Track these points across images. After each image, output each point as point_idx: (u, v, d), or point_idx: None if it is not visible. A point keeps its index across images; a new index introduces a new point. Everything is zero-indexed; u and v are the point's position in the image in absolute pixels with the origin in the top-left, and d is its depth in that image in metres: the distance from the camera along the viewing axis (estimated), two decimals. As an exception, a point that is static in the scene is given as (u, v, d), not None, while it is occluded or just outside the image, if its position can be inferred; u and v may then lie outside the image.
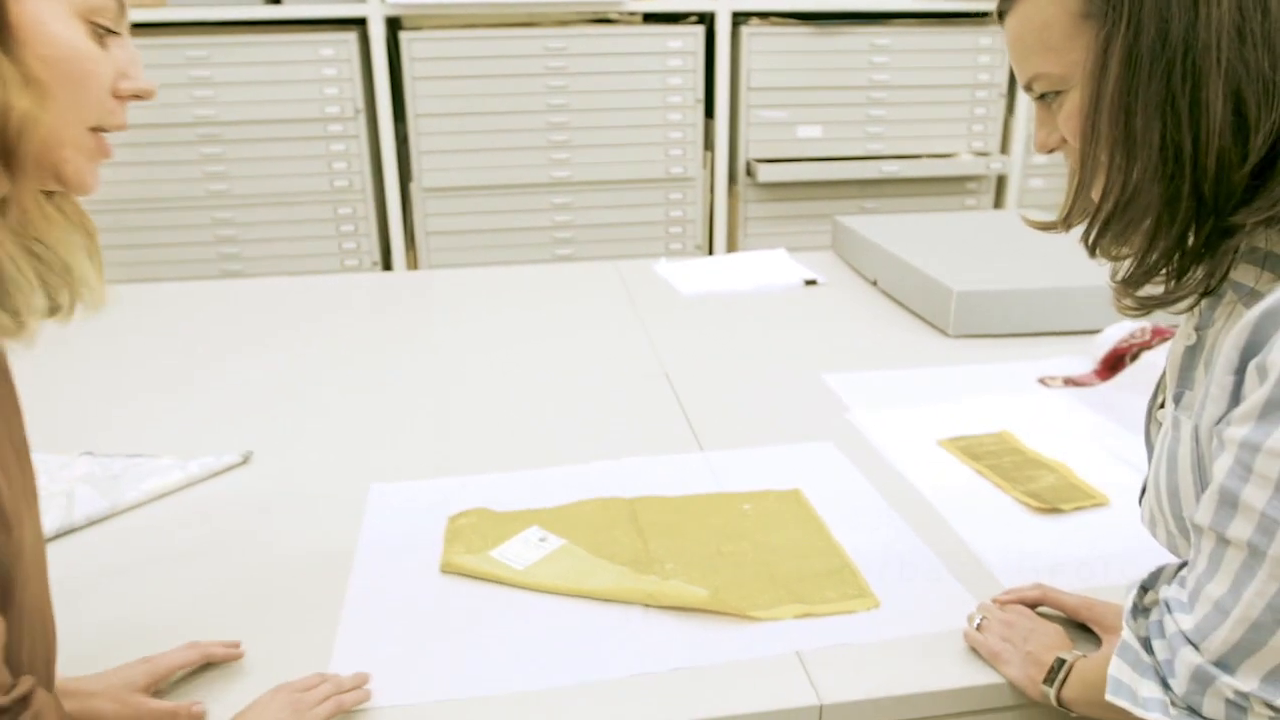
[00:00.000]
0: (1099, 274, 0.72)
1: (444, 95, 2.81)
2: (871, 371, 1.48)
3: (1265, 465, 0.58)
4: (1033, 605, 0.88)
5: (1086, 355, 1.50)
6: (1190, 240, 0.64)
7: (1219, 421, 0.63)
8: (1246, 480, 0.60)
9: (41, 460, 1.20)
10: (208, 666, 0.82)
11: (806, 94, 3.03)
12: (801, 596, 0.91)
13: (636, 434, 1.27)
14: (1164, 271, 0.66)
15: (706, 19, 2.94)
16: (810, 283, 1.96)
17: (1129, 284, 0.67)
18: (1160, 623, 0.67)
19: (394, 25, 2.78)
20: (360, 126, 2.79)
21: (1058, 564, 0.97)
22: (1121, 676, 0.68)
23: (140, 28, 2.61)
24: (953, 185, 3.18)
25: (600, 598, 0.91)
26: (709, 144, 3.08)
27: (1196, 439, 0.67)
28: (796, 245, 3.10)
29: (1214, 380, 0.64)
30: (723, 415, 1.33)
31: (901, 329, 1.68)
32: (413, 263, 3.01)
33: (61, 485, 1.13)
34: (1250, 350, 0.61)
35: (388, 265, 3.01)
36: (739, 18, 2.94)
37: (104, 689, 0.76)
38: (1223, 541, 0.62)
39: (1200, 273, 0.65)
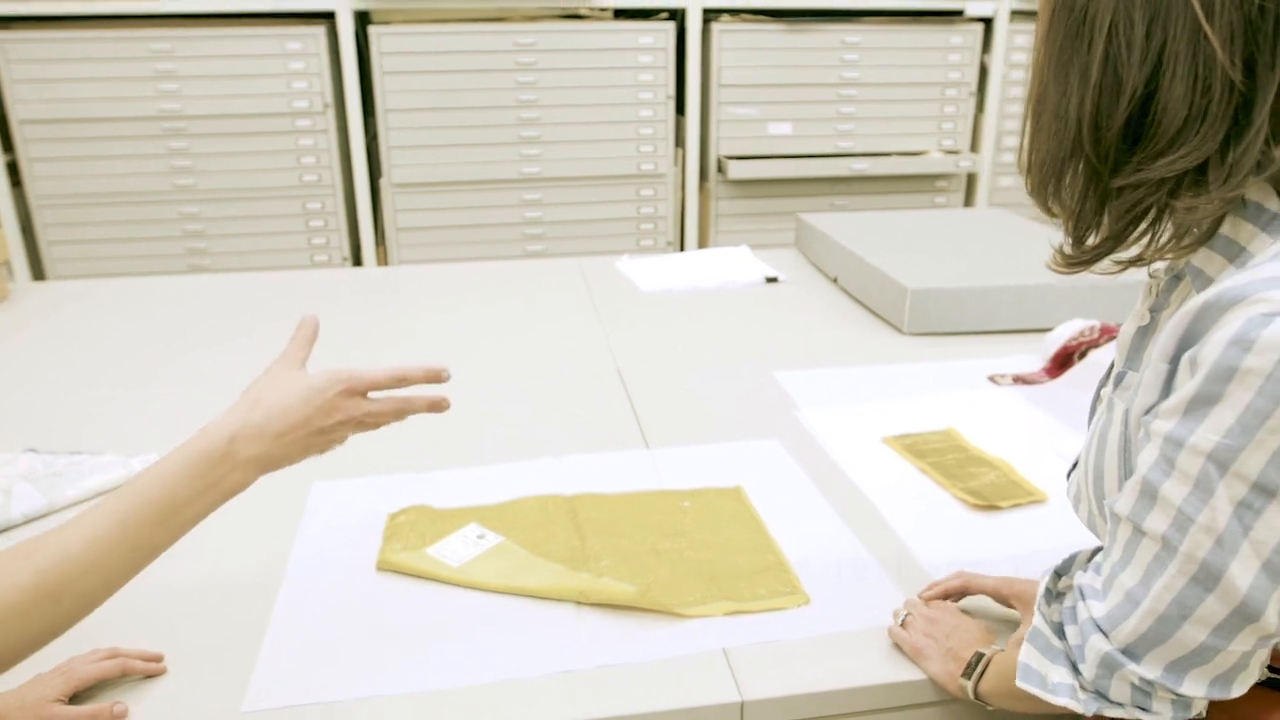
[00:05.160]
0: (1053, 273, 0.73)
1: (414, 90, 2.80)
2: (824, 369, 1.49)
3: (1187, 462, 0.59)
4: (957, 595, 0.89)
5: (1038, 353, 1.51)
6: (1090, 200, 0.66)
7: (1149, 410, 0.64)
8: (1168, 475, 0.60)
9: (-18, 457, 1.19)
10: None
11: (777, 91, 3.03)
12: (732, 594, 0.91)
13: (584, 431, 1.28)
14: (1088, 230, 0.68)
15: (677, 15, 2.94)
16: (771, 280, 1.97)
17: (1067, 243, 0.70)
18: (1074, 609, 0.68)
19: (363, 19, 2.77)
20: (329, 121, 2.78)
21: (991, 560, 0.98)
22: (1031, 662, 0.70)
23: (103, 19, 2.59)
24: (923, 183, 3.20)
25: (533, 595, 0.92)
26: (680, 140, 3.08)
27: (1126, 423, 0.68)
28: (767, 242, 3.12)
29: (1149, 366, 0.64)
30: (671, 413, 1.34)
31: (858, 327, 1.69)
32: (383, 259, 3.00)
33: (1, 482, 1.12)
34: (1187, 341, 0.61)
35: (358, 261, 3.00)
36: (710, 14, 2.94)
37: (17, 705, 0.75)
38: (1139, 532, 0.63)
39: (1105, 231, 0.66)
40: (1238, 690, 0.62)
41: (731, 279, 1.96)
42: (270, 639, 0.86)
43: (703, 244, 3.22)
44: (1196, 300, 0.60)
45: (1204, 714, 0.65)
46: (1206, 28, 0.57)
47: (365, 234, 2.94)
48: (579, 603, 0.90)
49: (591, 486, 1.12)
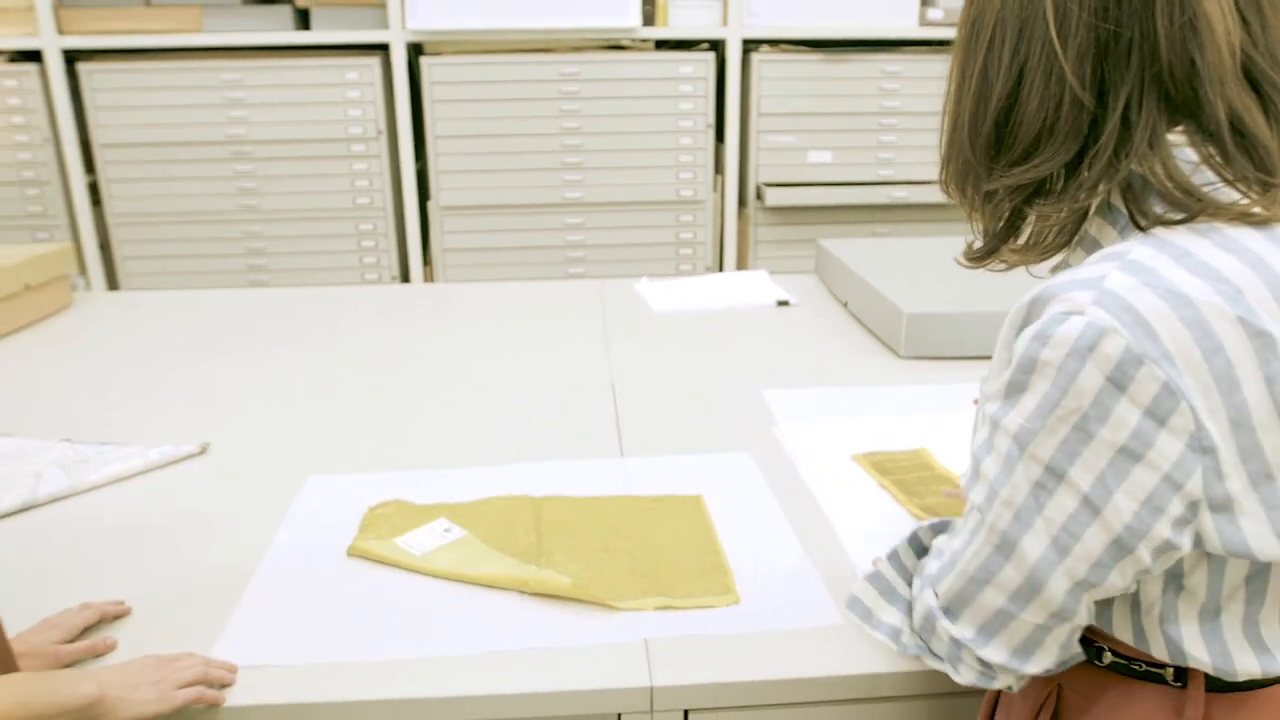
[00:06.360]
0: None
1: (462, 118, 2.93)
2: (812, 389, 1.53)
3: (1000, 441, 0.65)
4: None
5: (1029, 379, 1.53)
6: (975, 200, 0.72)
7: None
8: (989, 452, 0.66)
9: (24, 444, 1.33)
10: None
11: (817, 119, 3.08)
12: (666, 590, 0.97)
13: (566, 440, 1.35)
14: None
15: (718, 46, 3.02)
16: (783, 303, 2.01)
17: (976, 238, 0.75)
18: (925, 564, 0.76)
19: (416, 50, 2.92)
20: (382, 147, 2.93)
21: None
22: (864, 598, 0.81)
23: (178, 51, 2.80)
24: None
25: (483, 584, 0.99)
26: (719, 168, 3.15)
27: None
28: (805, 269, 3.15)
29: (996, 352, 0.70)
30: (652, 425, 1.39)
31: (857, 350, 1.73)
32: (429, 278, 3.13)
33: (35, 466, 1.24)
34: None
35: (406, 280, 3.14)
36: (749, 45, 3.01)
37: (27, 650, 0.86)
38: (970, 504, 0.69)
39: (984, 232, 0.72)
40: (1034, 666, 0.67)
41: (743, 302, 2.02)
42: (242, 606, 0.95)
43: (741, 269, 3.27)
44: (1029, 293, 0.65)
45: (1056, 696, 0.70)
46: (1059, 50, 0.62)
47: (413, 254, 3.08)
48: (522, 592, 0.97)
49: (560, 490, 1.19)
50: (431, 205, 3.02)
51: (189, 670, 0.82)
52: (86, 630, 0.91)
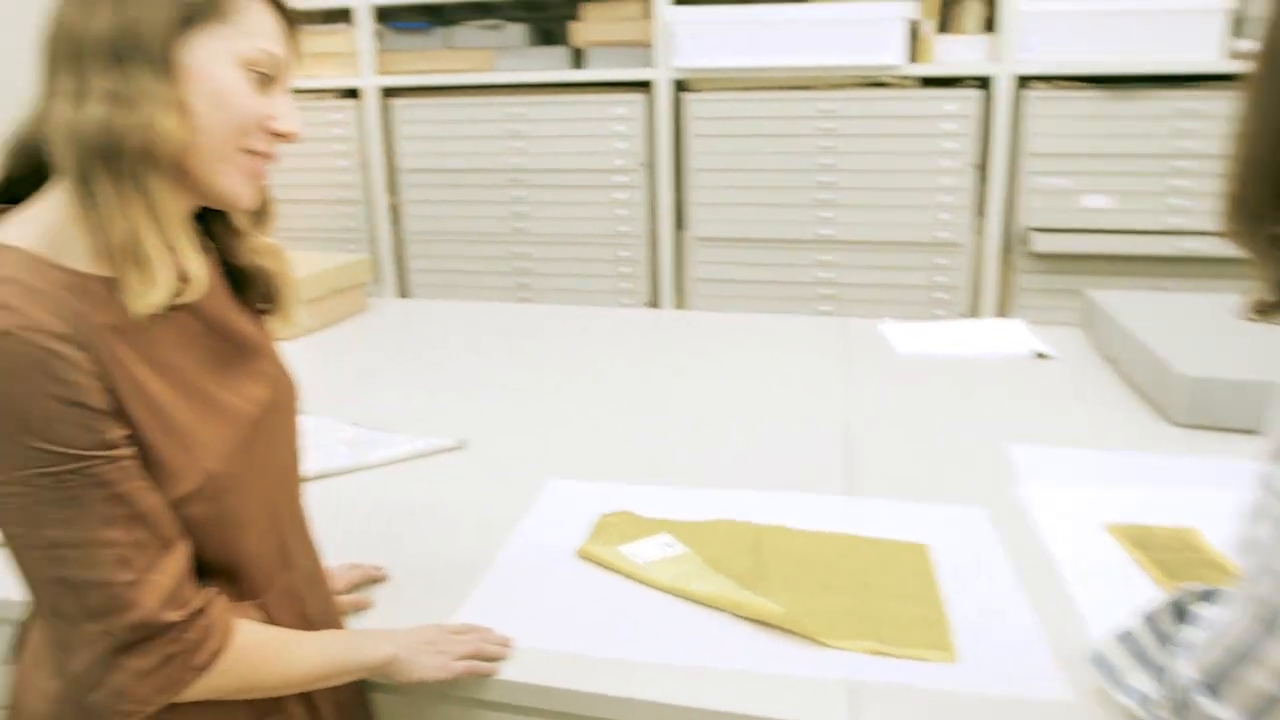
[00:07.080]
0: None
1: (720, 152, 3.02)
2: (1066, 449, 1.43)
3: (1272, 504, 0.59)
4: None
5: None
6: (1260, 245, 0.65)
7: None
8: (1264, 516, 0.61)
9: (321, 423, 1.53)
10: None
11: (1095, 160, 2.86)
12: (879, 635, 0.94)
13: (793, 472, 1.35)
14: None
15: (985, 83, 2.90)
16: (1041, 356, 1.89)
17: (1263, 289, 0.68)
18: (1187, 633, 0.70)
19: (679, 87, 3.05)
20: (643, 178, 3.09)
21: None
22: (1112, 657, 0.77)
23: (471, 89, 3.11)
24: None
25: (698, 601, 1.01)
26: (981, 210, 3.01)
27: None
28: (1073, 322, 2.93)
29: (1276, 408, 0.64)
30: (883, 468, 1.36)
31: (1123, 413, 1.59)
32: (680, 305, 3.24)
33: (329, 443, 1.43)
34: None
35: (656, 305, 3.27)
36: (1022, 81, 2.86)
37: None
38: (1243, 573, 0.64)
39: (1271, 281, 0.64)
40: None
41: (995, 350, 1.92)
42: (478, 590, 1.05)
43: (1000, 319, 3.10)
44: None
45: None
46: None
47: (665, 281, 3.21)
48: (735, 614, 0.99)
49: (784, 520, 1.19)
50: (686, 235, 3.12)
51: (467, 644, 0.91)
52: (353, 588, 1.04)
